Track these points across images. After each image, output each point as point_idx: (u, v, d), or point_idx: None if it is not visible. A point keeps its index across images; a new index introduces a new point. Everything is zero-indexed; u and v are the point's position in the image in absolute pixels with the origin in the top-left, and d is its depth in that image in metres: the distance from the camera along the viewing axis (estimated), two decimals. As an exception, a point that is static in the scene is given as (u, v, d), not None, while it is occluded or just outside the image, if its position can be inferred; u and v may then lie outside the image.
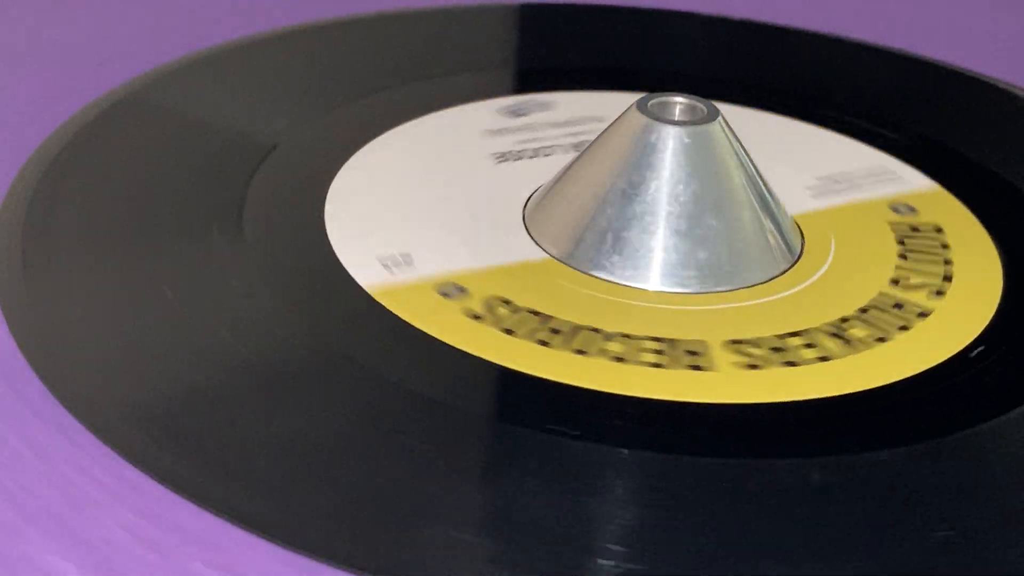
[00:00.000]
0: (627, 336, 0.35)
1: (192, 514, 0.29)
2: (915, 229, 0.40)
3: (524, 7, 0.52)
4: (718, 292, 0.37)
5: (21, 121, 0.41)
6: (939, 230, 0.40)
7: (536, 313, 0.35)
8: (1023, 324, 0.37)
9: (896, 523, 0.30)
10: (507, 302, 0.35)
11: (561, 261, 0.37)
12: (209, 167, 0.39)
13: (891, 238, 0.39)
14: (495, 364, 0.34)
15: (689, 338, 0.35)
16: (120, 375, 0.33)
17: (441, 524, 0.30)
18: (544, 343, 0.34)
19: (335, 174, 0.40)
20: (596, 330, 0.35)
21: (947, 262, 0.38)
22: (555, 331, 0.35)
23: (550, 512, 0.30)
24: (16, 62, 0.45)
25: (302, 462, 0.31)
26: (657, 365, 0.34)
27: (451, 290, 0.36)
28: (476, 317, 0.35)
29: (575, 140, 0.42)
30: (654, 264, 0.37)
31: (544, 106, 0.43)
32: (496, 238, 0.38)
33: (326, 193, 0.39)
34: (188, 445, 0.31)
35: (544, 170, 0.40)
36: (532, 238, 0.38)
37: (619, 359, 0.34)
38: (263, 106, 0.43)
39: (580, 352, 0.34)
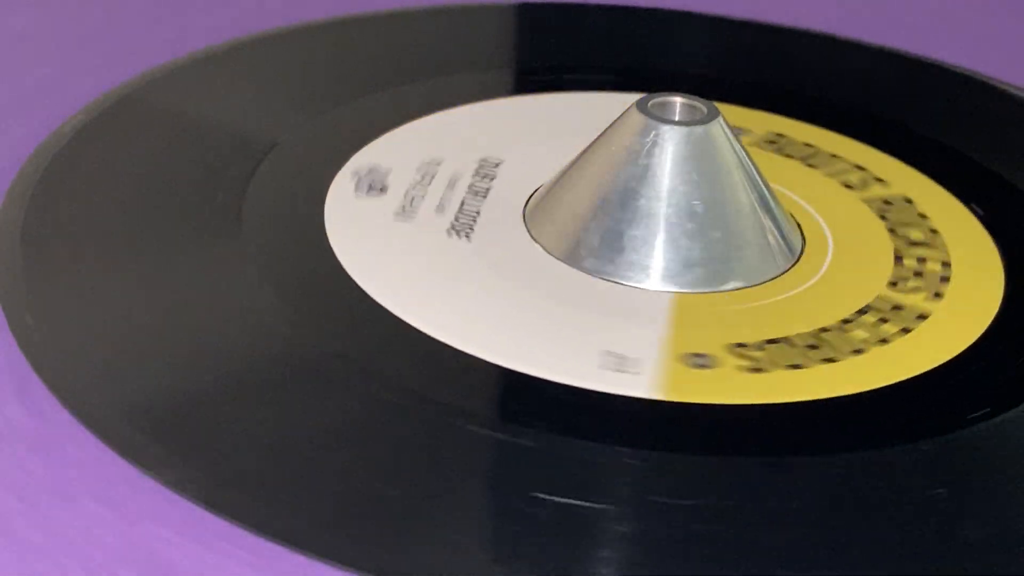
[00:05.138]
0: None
1: (192, 514, 0.29)
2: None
3: (524, 7, 0.52)
4: (718, 292, 0.37)
5: (21, 121, 0.41)
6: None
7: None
8: (1023, 324, 0.37)
9: (895, 523, 0.30)
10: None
11: (561, 260, 0.37)
12: (209, 167, 0.39)
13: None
14: (495, 364, 0.33)
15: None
16: (120, 375, 0.33)
17: (441, 524, 0.30)
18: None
19: (335, 174, 0.40)
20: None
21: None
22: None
23: (550, 512, 0.30)
24: (16, 62, 0.45)
25: (302, 462, 0.31)
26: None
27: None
28: None
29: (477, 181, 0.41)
30: (654, 264, 0.37)
31: (383, 172, 0.42)
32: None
33: (326, 193, 0.39)
34: (188, 445, 0.31)
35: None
36: (532, 237, 0.38)
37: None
38: (263, 106, 0.43)
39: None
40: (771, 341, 0.35)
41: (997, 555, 0.30)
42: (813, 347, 0.35)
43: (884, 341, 0.35)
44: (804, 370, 0.34)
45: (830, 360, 0.35)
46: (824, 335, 0.35)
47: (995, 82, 0.48)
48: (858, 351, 0.35)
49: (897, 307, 0.37)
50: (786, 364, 0.34)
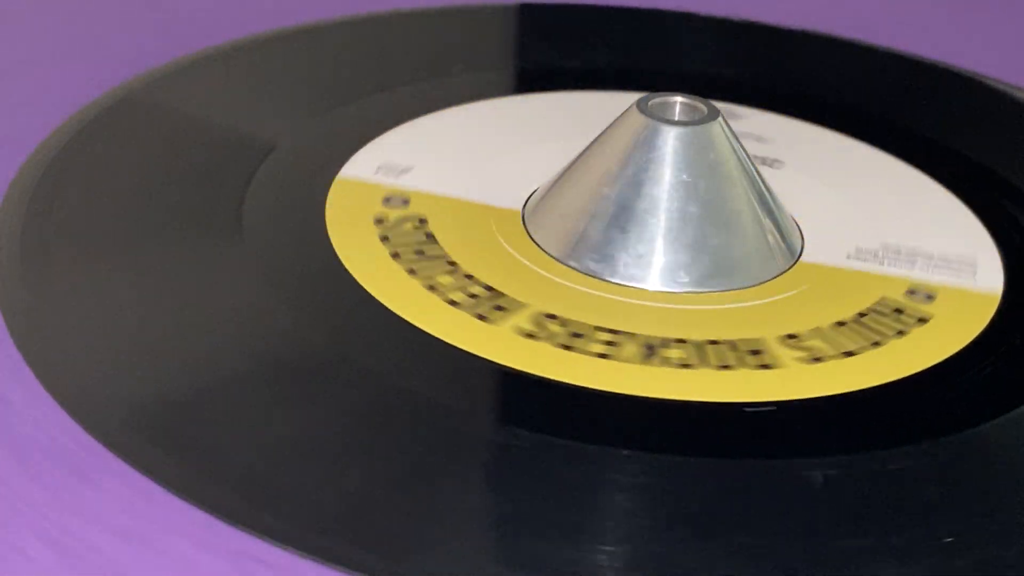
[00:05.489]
0: (618, 332, 0.35)
1: (192, 515, 0.29)
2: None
3: (524, 7, 0.52)
4: (718, 292, 0.37)
5: (21, 121, 0.41)
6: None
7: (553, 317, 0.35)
8: (1023, 324, 0.37)
9: (894, 524, 0.30)
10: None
11: (560, 261, 0.37)
12: (209, 167, 0.39)
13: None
14: (498, 365, 0.33)
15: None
16: (119, 376, 0.33)
17: (441, 524, 0.30)
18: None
19: (335, 174, 0.40)
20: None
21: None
22: (576, 335, 0.35)
23: (550, 512, 0.30)
24: (16, 62, 0.45)
25: (302, 462, 0.31)
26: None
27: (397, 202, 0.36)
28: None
29: None
30: (653, 264, 0.37)
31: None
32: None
33: (326, 193, 0.39)
34: (187, 446, 0.31)
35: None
36: (532, 238, 0.38)
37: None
38: (263, 106, 0.43)
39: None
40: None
41: (996, 555, 0.30)
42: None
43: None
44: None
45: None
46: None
47: (995, 82, 0.48)
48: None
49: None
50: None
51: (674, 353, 0.34)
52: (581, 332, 0.35)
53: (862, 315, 0.36)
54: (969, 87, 0.48)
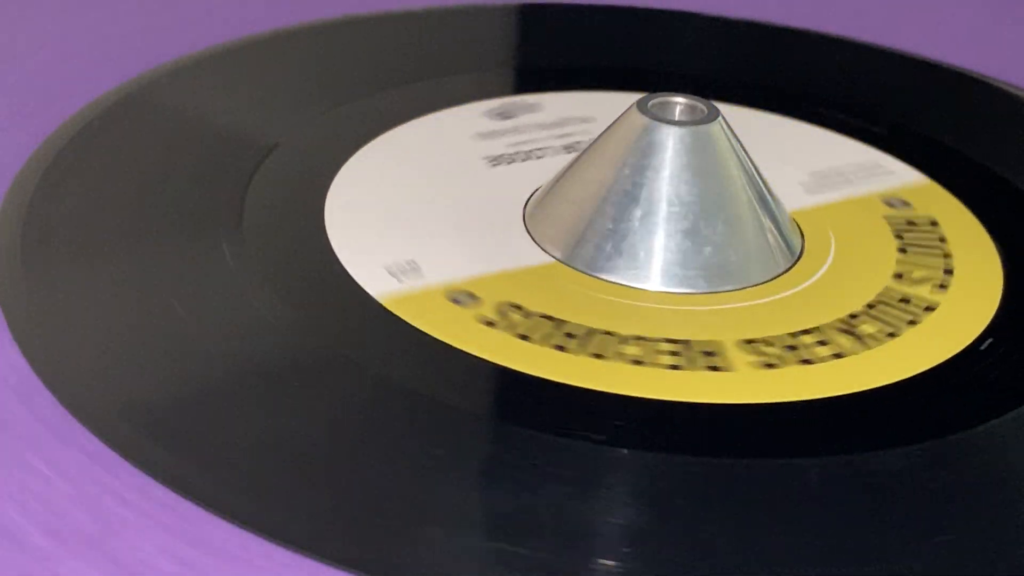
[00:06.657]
0: (642, 338, 0.35)
1: (192, 514, 0.29)
2: (912, 224, 0.40)
3: (524, 7, 0.52)
4: (719, 292, 0.37)
5: (21, 121, 0.41)
6: (935, 223, 0.40)
7: (549, 318, 0.35)
8: (1022, 324, 0.37)
9: (897, 523, 0.30)
10: (518, 307, 0.35)
11: (562, 262, 0.37)
12: (209, 167, 0.39)
13: (889, 234, 0.39)
14: (495, 364, 0.34)
15: (703, 339, 0.35)
16: (121, 375, 0.33)
17: (441, 524, 0.30)
18: (561, 347, 0.34)
19: (335, 174, 0.40)
20: (611, 333, 0.35)
21: (946, 256, 0.39)
22: (570, 336, 0.35)
23: (550, 512, 0.30)
24: (16, 62, 0.45)
25: (302, 462, 0.31)
26: (675, 367, 0.34)
27: (462, 297, 0.36)
28: (490, 323, 0.35)
29: (565, 142, 0.42)
30: (655, 264, 0.37)
31: (531, 108, 0.43)
32: (499, 242, 0.38)
33: (326, 193, 0.39)
34: (188, 445, 0.31)
35: (539, 172, 0.40)
36: (533, 239, 0.38)
37: (637, 362, 0.34)
38: (263, 106, 0.43)
39: (598, 356, 0.34)
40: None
41: (998, 555, 0.30)
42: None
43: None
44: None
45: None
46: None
47: (995, 82, 0.48)
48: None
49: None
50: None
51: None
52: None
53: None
54: (970, 87, 0.48)
